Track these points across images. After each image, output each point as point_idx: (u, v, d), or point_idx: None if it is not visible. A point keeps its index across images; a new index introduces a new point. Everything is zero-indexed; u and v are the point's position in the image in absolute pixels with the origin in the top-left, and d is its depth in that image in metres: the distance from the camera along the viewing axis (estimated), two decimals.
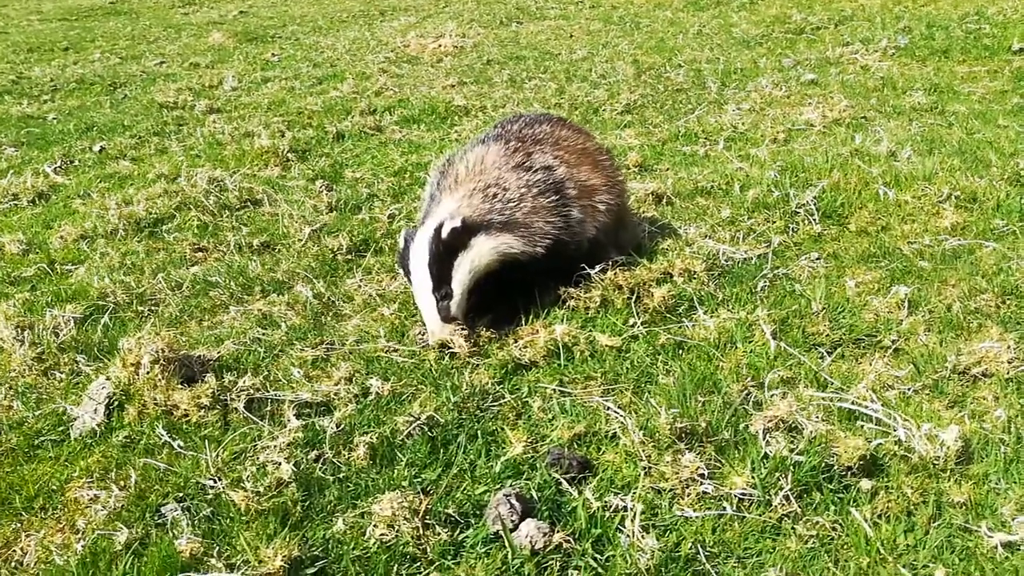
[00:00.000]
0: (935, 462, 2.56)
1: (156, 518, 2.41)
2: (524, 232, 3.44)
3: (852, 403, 2.82)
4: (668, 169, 5.45)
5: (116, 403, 2.90)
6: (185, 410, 2.83)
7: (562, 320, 3.45)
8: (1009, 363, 3.00)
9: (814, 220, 4.36)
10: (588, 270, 3.71)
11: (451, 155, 3.86)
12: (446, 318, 3.27)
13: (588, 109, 7.08)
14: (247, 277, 4.05)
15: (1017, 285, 3.54)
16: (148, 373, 2.90)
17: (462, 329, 3.28)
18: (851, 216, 4.38)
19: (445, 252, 3.25)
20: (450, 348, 3.24)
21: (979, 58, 7.78)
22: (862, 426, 2.74)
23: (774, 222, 4.37)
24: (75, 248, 4.60)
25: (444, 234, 3.24)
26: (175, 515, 2.36)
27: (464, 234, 3.28)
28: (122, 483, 2.54)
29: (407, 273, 3.37)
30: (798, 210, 4.44)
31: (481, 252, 3.33)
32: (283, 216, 4.82)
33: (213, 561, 2.15)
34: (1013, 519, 2.35)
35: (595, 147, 4.10)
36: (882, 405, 2.80)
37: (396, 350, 3.36)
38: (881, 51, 8.22)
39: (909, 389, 2.95)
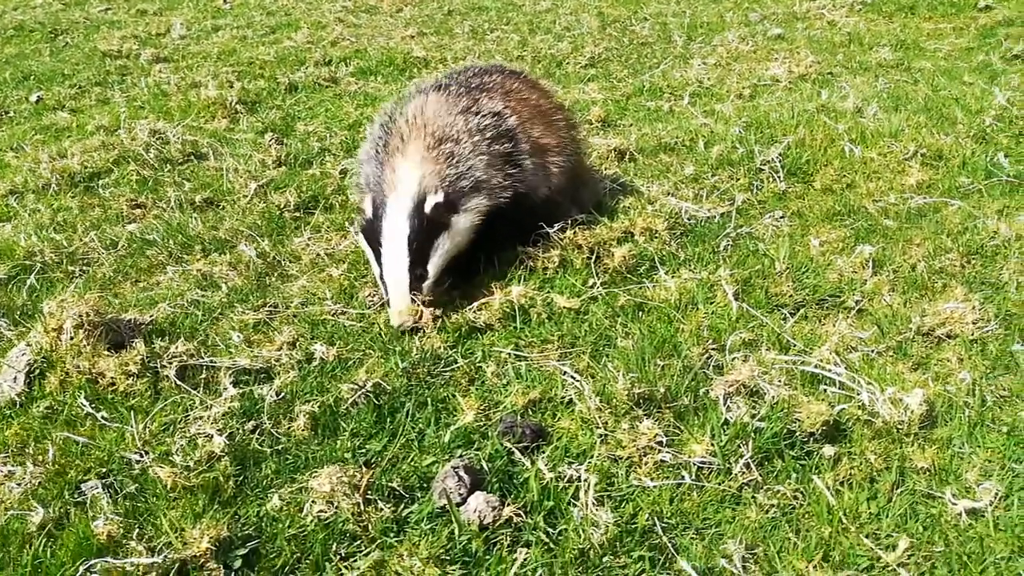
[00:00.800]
0: (899, 427, 2.48)
1: (75, 496, 2.23)
2: (487, 188, 3.25)
3: (815, 366, 2.72)
4: (631, 125, 5.28)
5: (37, 371, 2.69)
6: (111, 378, 2.64)
7: (519, 281, 3.30)
8: (974, 324, 2.94)
9: (779, 178, 4.24)
10: (547, 229, 3.56)
11: (391, 109, 3.56)
12: (424, 301, 3.05)
13: (551, 62, 6.87)
14: (187, 235, 3.83)
15: (982, 244, 3.47)
16: (71, 339, 2.70)
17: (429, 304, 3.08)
18: (816, 174, 4.27)
19: (427, 231, 3.04)
20: (416, 326, 3.03)
21: (945, 15, 7.68)
22: (825, 390, 2.65)
23: (738, 179, 4.25)
24: (2, 204, 4.32)
25: (428, 210, 3.03)
26: (95, 493, 2.19)
27: (446, 211, 3.08)
28: (40, 458, 2.35)
29: (373, 244, 3.11)
30: (763, 167, 4.32)
31: (460, 231, 3.15)
32: (228, 171, 4.58)
33: (133, 544, 1.99)
34: (978, 485, 2.29)
35: (550, 105, 3.89)
36: (846, 368, 2.71)
37: (344, 313, 3.19)
38: (848, 7, 8.08)
39: (873, 351, 2.87)
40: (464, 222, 3.16)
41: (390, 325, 3.05)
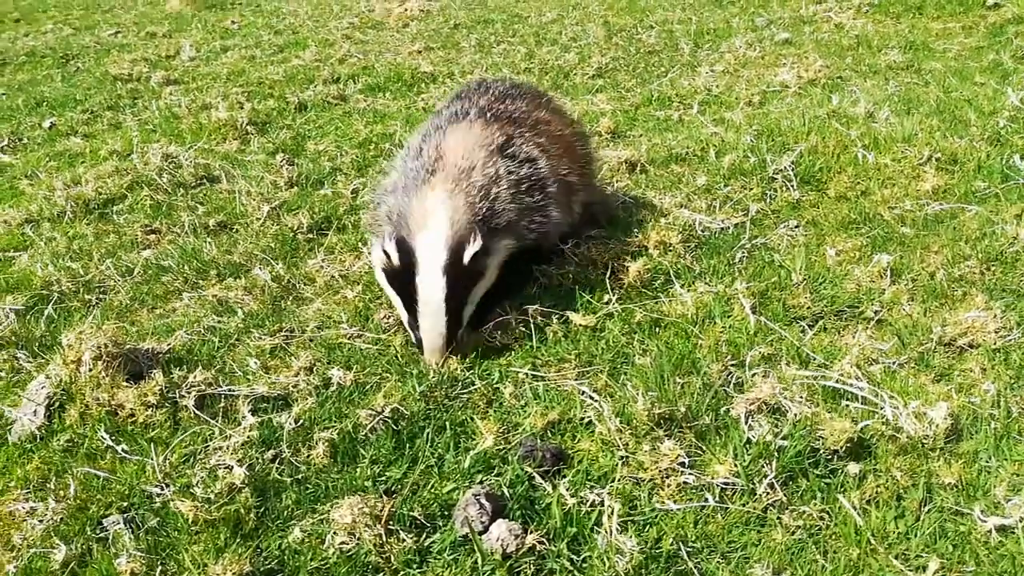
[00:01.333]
0: (924, 441, 2.44)
1: (98, 532, 2.23)
2: (515, 232, 3.15)
3: (837, 381, 2.69)
4: (641, 135, 5.27)
5: (57, 404, 2.70)
6: (131, 410, 2.64)
7: (534, 299, 3.29)
8: (996, 333, 2.90)
9: (792, 186, 4.21)
10: (561, 246, 3.55)
11: (423, 132, 3.47)
12: (454, 350, 2.95)
13: (559, 73, 6.86)
14: (202, 260, 3.84)
15: (1001, 251, 3.42)
16: (90, 370, 2.70)
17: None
18: (830, 181, 4.24)
19: (464, 281, 2.90)
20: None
21: (953, 14, 7.61)
22: (847, 405, 2.61)
23: (751, 189, 4.22)
24: (19, 233, 4.35)
25: (466, 261, 2.87)
26: (117, 529, 2.18)
27: (483, 257, 2.95)
28: (61, 493, 2.36)
29: (401, 292, 2.94)
30: (775, 176, 4.29)
31: (491, 275, 3.04)
32: (240, 193, 4.59)
33: None
34: (1007, 500, 2.25)
35: (573, 135, 3.85)
36: (867, 382, 2.68)
37: (359, 336, 3.18)
38: (855, 8, 8.02)
39: (894, 363, 2.83)
40: (495, 264, 3.05)
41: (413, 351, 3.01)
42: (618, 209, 4.09)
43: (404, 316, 2.99)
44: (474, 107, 3.57)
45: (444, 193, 3.03)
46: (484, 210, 3.05)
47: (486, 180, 3.11)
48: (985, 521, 2.19)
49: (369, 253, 3.63)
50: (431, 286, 2.85)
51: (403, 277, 2.90)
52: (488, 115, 3.47)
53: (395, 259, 2.90)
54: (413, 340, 3.02)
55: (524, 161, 3.28)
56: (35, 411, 2.68)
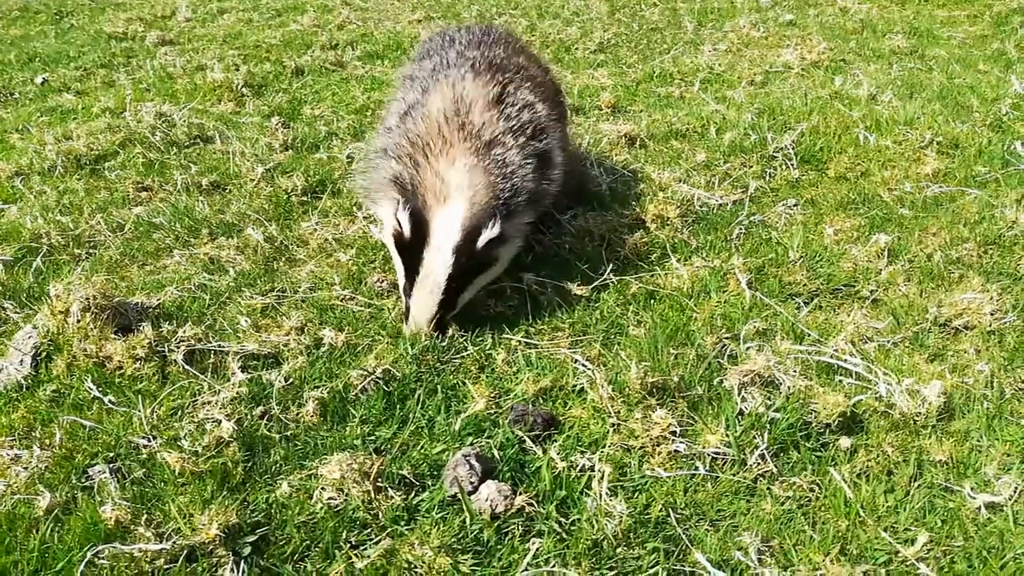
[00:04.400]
0: (916, 418, 2.44)
1: (83, 481, 2.20)
2: (534, 200, 3.02)
3: (831, 356, 2.69)
4: (642, 111, 5.22)
5: (44, 354, 2.66)
6: (119, 362, 2.61)
7: (529, 268, 3.26)
8: (991, 315, 2.90)
9: (792, 165, 4.19)
10: (558, 216, 3.52)
11: (414, 99, 3.21)
12: (440, 328, 2.85)
13: (560, 47, 6.79)
14: (194, 219, 3.79)
15: (999, 234, 3.41)
16: (78, 321, 2.66)
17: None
18: (830, 161, 4.21)
19: (471, 269, 2.79)
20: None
21: (959, 2, 7.57)
22: (841, 381, 2.61)
23: (751, 167, 4.19)
24: (8, 186, 4.27)
25: (479, 246, 2.75)
26: (103, 478, 2.16)
27: (498, 246, 2.82)
28: (47, 442, 2.33)
29: (406, 260, 2.82)
30: (776, 154, 4.26)
31: (504, 261, 2.95)
32: (235, 154, 4.53)
33: (141, 529, 1.96)
34: (997, 478, 2.25)
35: (539, 70, 3.70)
36: (861, 359, 2.67)
37: (352, 298, 3.15)
38: None
39: (889, 342, 2.83)
40: (509, 252, 2.95)
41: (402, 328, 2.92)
42: (616, 183, 4.06)
43: (401, 280, 2.91)
44: (465, 56, 3.38)
45: (464, 167, 2.87)
46: (505, 185, 2.89)
47: (500, 146, 2.95)
48: (975, 498, 2.19)
49: (367, 212, 3.57)
50: (437, 264, 2.74)
51: (412, 248, 2.78)
52: (483, 66, 3.29)
53: (407, 231, 2.77)
54: (402, 306, 2.95)
55: (523, 107, 3.12)
56: (22, 361, 2.64)
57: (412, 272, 2.80)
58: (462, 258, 2.74)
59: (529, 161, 2.99)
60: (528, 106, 3.15)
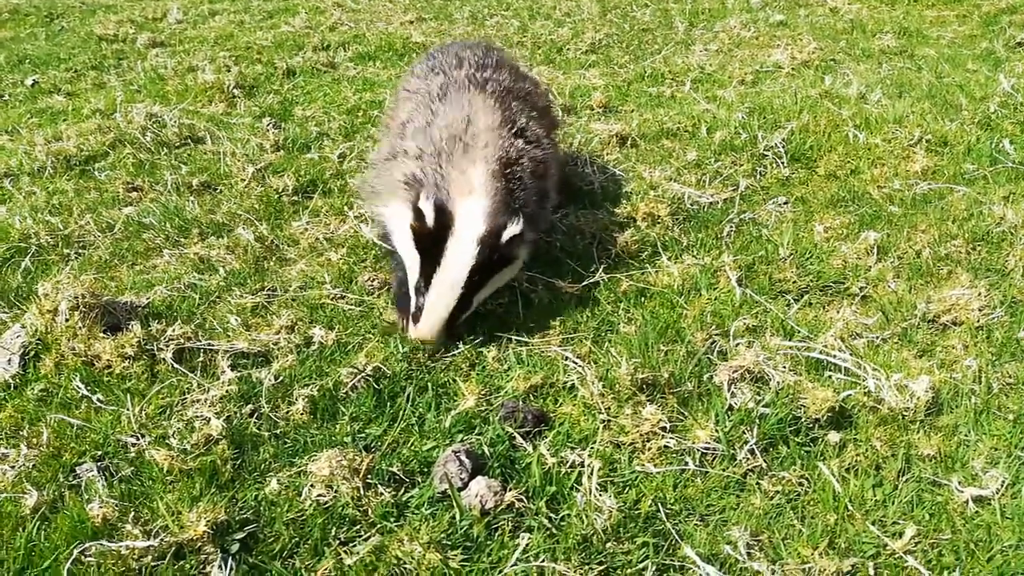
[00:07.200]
0: (904, 413, 2.45)
1: (70, 479, 2.19)
2: (531, 232, 3.00)
3: (820, 352, 2.69)
4: (633, 110, 5.23)
5: (32, 353, 2.65)
6: (107, 361, 2.60)
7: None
8: (979, 311, 2.91)
9: (782, 163, 4.20)
10: (550, 216, 3.52)
11: (435, 101, 3.27)
12: (450, 334, 2.80)
13: (552, 48, 6.79)
14: (184, 219, 3.78)
15: (988, 231, 3.43)
16: (67, 320, 2.65)
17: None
18: (820, 159, 4.23)
19: (494, 263, 2.75)
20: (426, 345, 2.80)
21: (948, 2, 7.61)
22: (830, 376, 2.62)
23: (741, 165, 4.20)
24: None
25: (503, 240, 2.73)
26: (90, 476, 2.15)
27: (519, 245, 2.82)
28: (34, 440, 2.31)
29: (423, 246, 2.75)
30: (766, 153, 4.27)
31: (516, 268, 2.94)
32: (225, 155, 4.52)
33: (128, 527, 1.95)
34: (984, 472, 2.26)
35: (540, 96, 3.80)
36: (851, 354, 2.68)
37: (343, 297, 3.15)
38: None
39: (878, 338, 2.84)
40: (524, 256, 2.95)
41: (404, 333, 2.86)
42: (608, 181, 4.06)
43: (413, 277, 2.79)
44: (475, 76, 3.45)
45: (486, 171, 2.91)
46: (523, 195, 2.97)
47: (514, 165, 3.00)
48: (962, 492, 2.20)
49: (359, 211, 3.58)
50: (461, 253, 2.68)
51: (433, 238, 2.71)
52: (496, 89, 3.35)
53: (430, 219, 2.70)
54: (401, 307, 2.87)
55: (535, 149, 3.18)
56: (10, 360, 2.63)
57: (431, 264, 2.71)
58: (486, 250, 2.70)
59: (533, 182, 3.08)
60: (536, 142, 3.22)
